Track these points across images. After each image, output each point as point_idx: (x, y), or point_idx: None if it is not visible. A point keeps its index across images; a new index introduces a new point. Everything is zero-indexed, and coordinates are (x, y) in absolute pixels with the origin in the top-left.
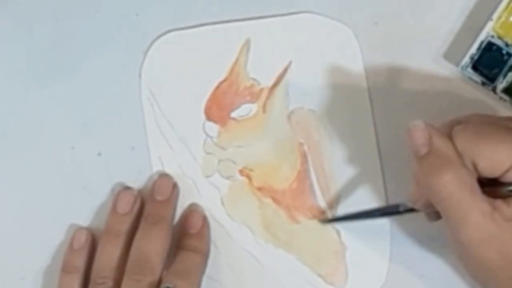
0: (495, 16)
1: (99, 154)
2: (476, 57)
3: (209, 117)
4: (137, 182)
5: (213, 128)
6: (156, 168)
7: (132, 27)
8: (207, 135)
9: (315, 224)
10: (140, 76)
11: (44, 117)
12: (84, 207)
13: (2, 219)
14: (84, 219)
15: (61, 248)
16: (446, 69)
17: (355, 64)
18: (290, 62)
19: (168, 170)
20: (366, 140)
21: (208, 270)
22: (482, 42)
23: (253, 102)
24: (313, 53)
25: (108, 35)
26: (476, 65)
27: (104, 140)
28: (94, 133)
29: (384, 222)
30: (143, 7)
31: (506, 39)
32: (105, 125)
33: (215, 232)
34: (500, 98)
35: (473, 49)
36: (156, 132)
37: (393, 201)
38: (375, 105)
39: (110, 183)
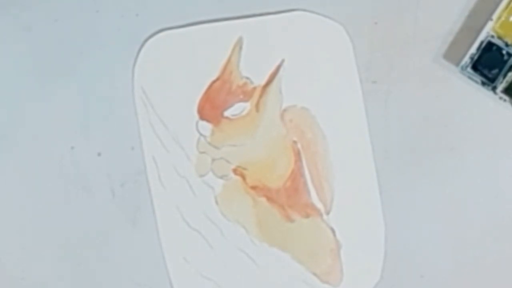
0: (495, 16)
1: (99, 154)
2: (476, 57)
3: (202, 116)
4: (136, 182)
5: (206, 127)
6: (151, 168)
7: (133, 27)
8: (201, 134)
9: (309, 222)
10: (133, 75)
11: (44, 117)
12: (84, 207)
13: (2, 219)
14: (84, 219)
15: (61, 248)
16: (446, 69)
17: (348, 61)
18: (283, 61)
19: (162, 170)
20: (359, 138)
21: (202, 270)
22: (482, 42)
23: (246, 101)
24: (306, 51)
25: (108, 35)
26: (476, 65)
27: (104, 140)
28: (94, 133)
29: (378, 219)
30: (143, 7)
31: (506, 39)
32: (105, 125)
33: (209, 232)
34: (500, 98)
35: (473, 49)
36: (150, 132)
37: (387, 199)
38: (374, 105)
39: (110, 183)
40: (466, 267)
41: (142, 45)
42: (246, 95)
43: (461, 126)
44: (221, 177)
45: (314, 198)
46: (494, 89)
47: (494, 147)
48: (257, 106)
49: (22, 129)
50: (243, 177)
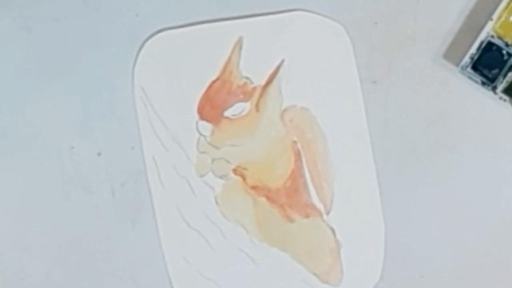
0: (495, 16)
1: (99, 154)
2: (476, 57)
3: (202, 116)
4: (136, 182)
5: (206, 127)
6: (151, 168)
7: (133, 27)
8: (201, 134)
9: (309, 222)
10: (133, 75)
11: (44, 117)
12: (84, 207)
13: (1, 219)
14: (84, 219)
15: (61, 248)
16: (446, 69)
17: (348, 61)
18: (282, 61)
19: (162, 170)
20: (359, 138)
21: (202, 270)
22: (482, 42)
23: (246, 101)
24: (305, 51)
25: (108, 35)
26: (476, 65)
27: (104, 140)
28: (94, 133)
29: (378, 219)
30: (143, 7)
31: (506, 39)
32: (105, 125)
33: (209, 232)
34: (500, 98)
35: (473, 49)
36: (150, 132)
37: (387, 199)
38: (374, 105)
39: (110, 183)
40: (466, 267)
41: (142, 45)
42: (246, 95)
43: (461, 126)
44: (221, 177)
45: (314, 198)
46: (494, 89)
47: (494, 147)
48: (257, 106)
49: (22, 129)
50: (243, 177)
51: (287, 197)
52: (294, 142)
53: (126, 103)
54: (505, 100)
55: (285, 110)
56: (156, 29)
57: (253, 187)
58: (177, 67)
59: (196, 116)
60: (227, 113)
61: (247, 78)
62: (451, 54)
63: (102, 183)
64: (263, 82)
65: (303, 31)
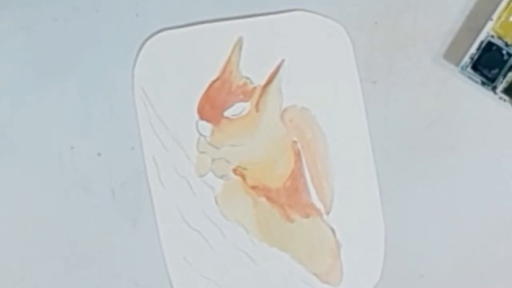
0: (495, 16)
1: (99, 154)
2: (476, 57)
3: (202, 116)
4: (136, 182)
5: (206, 127)
6: (151, 168)
7: (133, 27)
8: (200, 134)
9: (309, 222)
10: (133, 75)
11: (44, 117)
12: (84, 207)
13: (1, 219)
14: (84, 219)
15: (61, 248)
16: (446, 69)
17: (348, 61)
18: (282, 61)
19: (162, 170)
20: (359, 138)
21: (202, 270)
22: (482, 42)
23: (246, 101)
24: (306, 51)
25: (108, 35)
26: (476, 65)
27: (104, 140)
28: (94, 133)
29: (378, 219)
30: (143, 7)
31: (506, 39)
32: (105, 125)
33: (209, 232)
34: (500, 98)
35: (473, 49)
36: (150, 132)
37: (387, 199)
38: (374, 105)
39: (110, 183)
40: (466, 267)
41: (142, 45)
42: (246, 95)
43: (461, 126)
44: (221, 177)
45: (314, 198)
46: (494, 89)
47: (494, 147)
48: (257, 106)
49: (22, 129)
50: (243, 177)
51: (287, 197)
52: (294, 142)
53: (126, 103)
54: (505, 100)
55: (285, 110)
56: (156, 29)
57: (253, 187)
58: (177, 67)
59: (196, 116)
60: (227, 113)
61: (247, 78)
62: (451, 54)
63: (102, 183)
64: (263, 82)
65: (303, 31)
